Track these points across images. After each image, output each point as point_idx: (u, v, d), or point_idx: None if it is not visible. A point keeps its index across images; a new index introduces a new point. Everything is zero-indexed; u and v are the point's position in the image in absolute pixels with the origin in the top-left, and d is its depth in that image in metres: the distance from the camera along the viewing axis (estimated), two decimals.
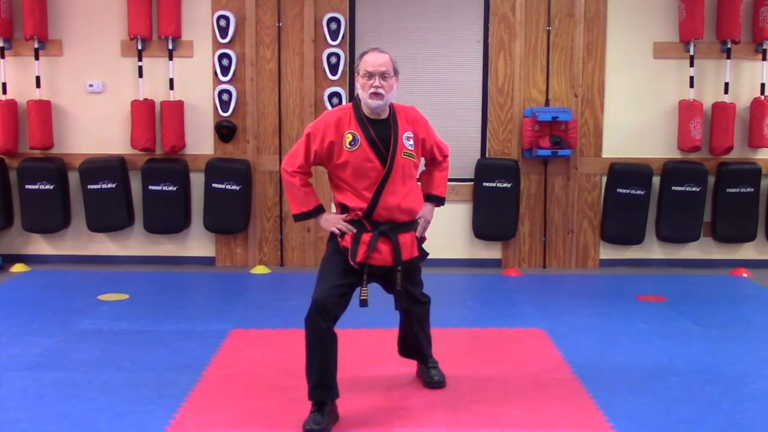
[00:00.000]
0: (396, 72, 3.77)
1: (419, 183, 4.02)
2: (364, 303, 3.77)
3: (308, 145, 3.76)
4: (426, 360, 4.21)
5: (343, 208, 3.83)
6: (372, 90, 3.68)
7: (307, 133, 3.78)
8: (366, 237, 3.74)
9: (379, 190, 3.73)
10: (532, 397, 4.03)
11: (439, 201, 4.05)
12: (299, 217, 3.90)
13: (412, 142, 3.81)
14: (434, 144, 3.97)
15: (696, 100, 6.84)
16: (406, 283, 3.87)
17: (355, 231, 3.76)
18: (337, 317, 3.71)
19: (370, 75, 3.69)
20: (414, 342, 4.17)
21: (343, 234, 3.79)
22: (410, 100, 4.22)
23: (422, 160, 4.02)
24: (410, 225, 3.86)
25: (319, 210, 3.87)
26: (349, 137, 3.72)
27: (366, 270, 3.74)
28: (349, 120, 3.75)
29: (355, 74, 3.80)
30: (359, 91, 3.75)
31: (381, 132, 3.74)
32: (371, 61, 3.71)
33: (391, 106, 3.82)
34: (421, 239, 3.95)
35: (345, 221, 3.79)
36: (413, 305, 4.02)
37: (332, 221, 3.81)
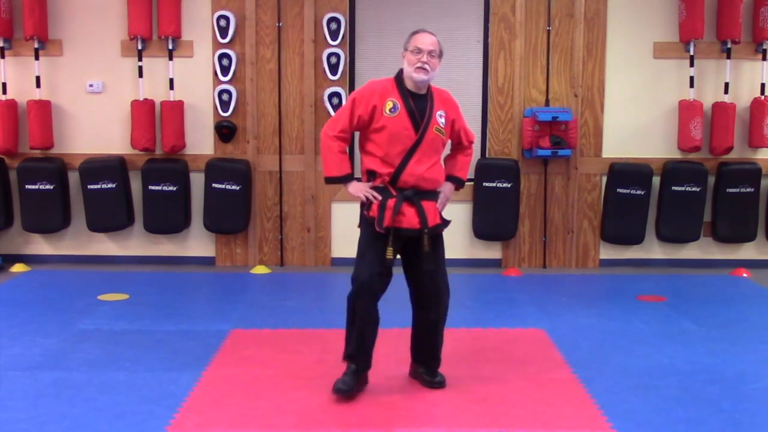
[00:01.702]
0: (441, 54, 4.01)
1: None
2: (390, 262, 3.92)
3: (353, 110, 3.98)
4: (436, 366, 4.19)
5: (369, 176, 4.03)
6: (419, 65, 3.92)
7: (353, 98, 4.01)
8: (391, 202, 3.93)
9: (407, 157, 3.94)
10: (532, 397, 4.03)
11: (459, 182, 4.24)
12: (330, 180, 4.09)
13: (443, 120, 4.04)
14: (462, 128, 4.17)
15: (696, 100, 6.84)
16: (434, 263, 4.01)
17: (380, 198, 3.94)
18: (381, 295, 3.97)
19: (419, 50, 3.93)
20: (434, 343, 4.16)
21: (369, 204, 3.96)
22: None
23: (449, 144, 4.21)
24: (433, 194, 4.05)
25: (350, 177, 4.06)
26: (390, 104, 3.95)
27: (392, 232, 3.91)
28: (392, 90, 3.99)
29: (403, 50, 4.01)
30: (405, 65, 3.98)
31: (419, 105, 3.98)
32: (421, 39, 3.97)
33: (429, 86, 4.04)
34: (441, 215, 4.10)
35: (372, 188, 3.98)
36: (435, 307, 4.09)
37: (360, 188, 4.02)
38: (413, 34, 4.02)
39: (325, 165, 4.08)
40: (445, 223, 4.10)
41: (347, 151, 4.07)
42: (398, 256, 4.03)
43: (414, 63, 3.93)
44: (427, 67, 3.93)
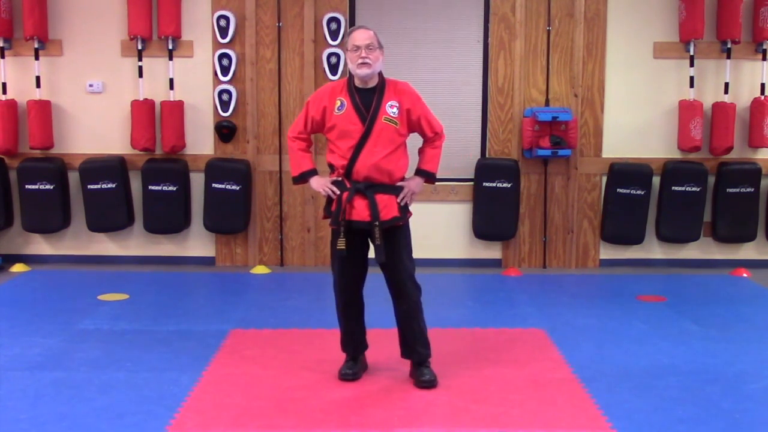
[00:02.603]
0: (380, 45, 4.13)
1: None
2: (340, 252, 4.09)
3: (307, 113, 4.22)
4: (423, 361, 4.21)
5: (331, 169, 4.22)
6: (360, 60, 4.07)
7: (307, 102, 4.25)
8: (344, 195, 4.10)
9: (357, 149, 4.09)
10: (532, 397, 4.04)
11: (427, 175, 4.29)
12: (296, 180, 4.31)
13: (395, 110, 4.13)
14: (422, 117, 4.21)
15: (696, 100, 6.84)
16: (393, 255, 4.10)
17: (338, 193, 4.11)
18: (360, 284, 4.22)
19: (357, 48, 4.08)
20: (408, 336, 4.19)
21: (330, 200, 4.15)
22: None
23: (412, 135, 4.25)
24: (389, 187, 4.14)
25: (312, 172, 4.27)
26: (338, 103, 4.14)
27: (343, 224, 4.07)
28: (342, 89, 4.17)
29: (345, 51, 4.22)
30: (349, 64, 4.14)
31: (366, 99, 4.13)
32: (357, 36, 4.11)
33: (382, 78, 4.17)
34: (405, 208, 4.17)
35: (330, 182, 4.15)
36: (402, 299, 4.16)
37: (321, 182, 4.21)
38: (349, 34, 4.17)
39: (291, 166, 4.34)
40: (403, 216, 4.16)
41: (308, 149, 4.31)
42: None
43: (355, 60, 4.07)
44: (368, 61, 4.06)
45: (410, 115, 4.16)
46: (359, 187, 4.08)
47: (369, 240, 4.15)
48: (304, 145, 4.27)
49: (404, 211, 4.16)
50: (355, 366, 4.26)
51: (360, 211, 4.07)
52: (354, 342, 4.29)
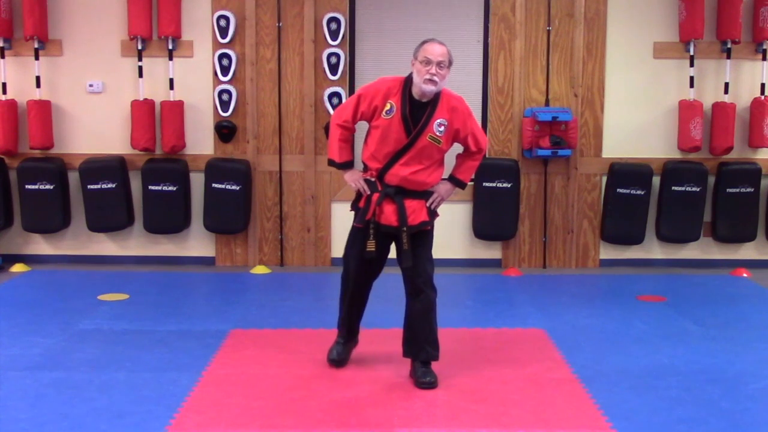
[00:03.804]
0: (451, 63, 4.08)
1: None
2: (369, 254, 4.11)
3: (357, 105, 4.15)
4: (429, 360, 4.20)
5: (364, 166, 4.21)
6: (428, 76, 3.98)
7: (359, 94, 4.17)
8: (375, 197, 4.12)
9: (393, 160, 4.08)
10: (532, 397, 4.04)
11: (459, 183, 4.32)
12: (331, 163, 4.30)
13: (443, 129, 4.09)
14: (470, 135, 4.22)
15: (696, 100, 6.84)
16: (415, 258, 4.11)
17: (369, 192, 4.12)
18: (372, 280, 4.29)
19: (428, 62, 3.99)
20: (420, 334, 4.18)
21: (360, 196, 4.17)
22: None
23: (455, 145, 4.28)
24: (419, 193, 4.15)
25: (347, 165, 4.24)
26: (388, 106, 4.07)
27: (372, 226, 4.09)
28: (396, 92, 4.08)
29: (413, 58, 4.08)
30: (414, 74, 4.05)
31: (417, 112, 4.06)
32: (431, 50, 4.02)
33: (439, 92, 4.09)
34: (433, 213, 4.19)
35: (363, 180, 4.15)
36: (418, 297, 4.16)
37: (354, 177, 4.20)
38: (423, 44, 4.07)
39: (329, 147, 4.30)
40: (431, 221, 4.17)
41: (350, 139, 4.26)
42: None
43: (423, 74, 3.98)
44: (435, 78, 3.98)
45: (458, 134, 4.16)
46: (389, 191, 4.10)
47: (393, 242, 4.18)
48: (348, 134, 4.23)
49: (432, 215, 4.19)
50: (343, 352, 4.39)
51: (388, 215, 4.09)
52: (349, 325, 4.40)
